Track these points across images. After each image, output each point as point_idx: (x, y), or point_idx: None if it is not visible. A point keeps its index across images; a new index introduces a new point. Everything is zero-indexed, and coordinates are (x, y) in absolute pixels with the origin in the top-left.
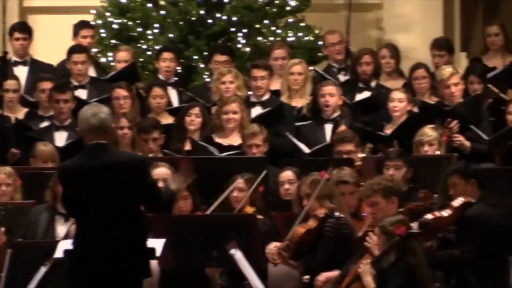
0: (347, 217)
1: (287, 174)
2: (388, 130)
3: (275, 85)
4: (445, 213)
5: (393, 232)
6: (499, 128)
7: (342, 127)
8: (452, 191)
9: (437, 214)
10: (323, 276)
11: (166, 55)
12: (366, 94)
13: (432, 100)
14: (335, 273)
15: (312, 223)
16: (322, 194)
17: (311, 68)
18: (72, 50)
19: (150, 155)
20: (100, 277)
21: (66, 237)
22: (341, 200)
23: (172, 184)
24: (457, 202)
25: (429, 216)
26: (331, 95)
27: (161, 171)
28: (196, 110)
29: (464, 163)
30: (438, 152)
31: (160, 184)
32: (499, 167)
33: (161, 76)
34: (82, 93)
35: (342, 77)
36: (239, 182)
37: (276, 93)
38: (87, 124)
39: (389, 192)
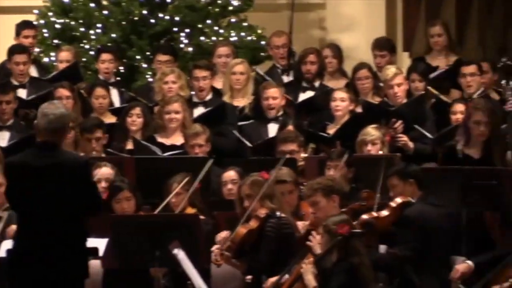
0: (288, 217)
1: (230, 174)
2: (331, 130)
3: (219, 83)
4: (383, 213)
5: (336, 231)
6: (442, 127)
7: (290, 127)
8: (392, 192)
9: (375, 214)
10: (269, 282)
11: (105, 56)
12: (309, 93)
13: (375, 100)
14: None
15: (253, 224)
16: (263, 195)
17: (253, 68)
18: (13, 51)
19: (94, 153)
20: (41, 277)
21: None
22: (281, 200)
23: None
24: (395, 202)
25: (367, 216)
26: (274, 98)
27: (104, 171)
28: (137, 110)
29: (403, 164)
30: (381, 152)
31: (103, 184)
32: (439, 167)
33: (100, 77)
34: (22, 93)
35: (286, 78)
36: (175, 186)
37: (219, 92)
38: (41, 121)
39: (329, 191)
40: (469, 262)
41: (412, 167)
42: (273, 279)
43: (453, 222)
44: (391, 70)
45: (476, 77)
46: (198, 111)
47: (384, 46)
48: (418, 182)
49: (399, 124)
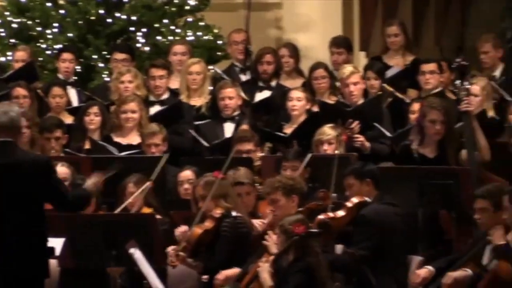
0: (244, 216)
1: (187, 174)
2: (287, 130)
3: (175, 83)
4: (339, 213)
5: (292, 231)
6: (399, 126)
7: (244, 127)
8: (348, 192)
9: (331, 215)
10: (222, 275)
11: (66, 55)
12: (266, 93)
13: (331, 100)
14: (234, 271)
15: (209, 224)
16: (217, 194)
17: (210, 67)
18: None
19: (53, 152)
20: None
21: None
22: (237, 199)
23: (87, 184)
24: (351, 202)
25: (323, 216)
26: (230, 98)
27: (61, 171)
28: (94, 109)
29: (360, 163)
30: (337, 152)
31: None
32: (396, 166)
33: (60, 76)
34: None
35: (244, 77)
36: (130, 186)
37: (175, 92)
38: None
39: (290, 190)
40: (430, 268)
41: (369, 167)
42: (226, 272)
43: (410, 221)
44: (347, 68)
45: (435, 75)
46: (155, 110)
47: (341, 44)
48: (374, 181)
49: (355, 125)
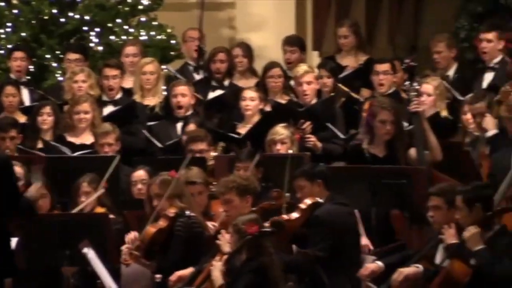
0: (198, 216)
1: (140, 174)
2: (241, 129)
3: (128, 83)
4: (293, 216)
5: (245, 230)
6: (353, 126)
7: (191, 126)
8: (299, 194)
9: (286, 217)
10: (175, 275)
11: (17, 54)
12: (219, 92)
13: (284, 99)
14: (187, 271)
15: (163, 223)
16: (172, 194)
17: (163, 67)
18: None
19: (7, 152)
20: None
21: None
22: (191, 199)
23: (30, 192)
24: (305, 203)
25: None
26: (183, 96)
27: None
28: (47, 109)
29: (309, 164)
30: (290, 151)
31: None
32: (349, 166)
33: (12, 75)
34: None
35: (198, 76)
36: (84, 186)
37: (129, 91)
38: None
39: (244, 190)
40: (379, 263)
41: (319, 167)
42: (180, 273)
43: (363, 221)
44: (302, 67)
45: (389, 76)
46: (108, 110)
47: (294, 42)
48: (325, 182)
49: (307, 125)
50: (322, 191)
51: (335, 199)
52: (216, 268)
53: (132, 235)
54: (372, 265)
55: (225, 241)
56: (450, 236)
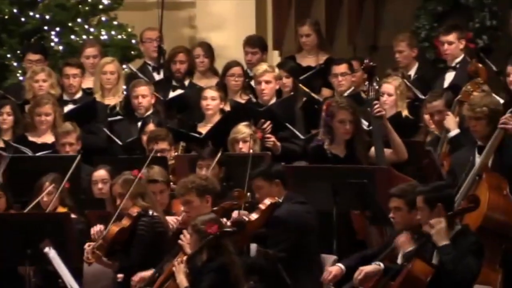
0: (161, 216)
1: (101, 173)
2: (202, 129)
3: (88, 83)
4: (253, 216)
5: (205, 230)
6: (313, 126)
7: (150, 126)
8: (258, 194)
9: (246, 218)
10: (137, 276)
11: None
12: (179, 92)
13: (243, 99)
14: (150, 272)
15: (125, 222)
16: (135, 193)
17: (124, 66)
18: None
19: None
20: None
21: None
22: (154, 198)
23: None
24: (264, 204)
25: (234, 216)
26: (144, 96)
27: None
28: (7, 109)
29: (266, 164)
30: (251, 150)
31: None
32: (311, 166)
33: None
34: None
35: (157, 76)
36: (46, 185)
37: (89, 92)
38: None
39: (203, 191)
40: (341, 265)
41: (276, 167)
42: (142, 274)
43: (324, 220)
44: (262, 66)
45: (347, 76)
46: (68, 109)
47: (255, 43)
48: (282, 181)
49: (267, 125)
50: (280, 191)
51: (294, 198)
52: (180, 270)
53: (98, 227)
54: (334, 268)
55: (187, 242)
56: (404, 244)
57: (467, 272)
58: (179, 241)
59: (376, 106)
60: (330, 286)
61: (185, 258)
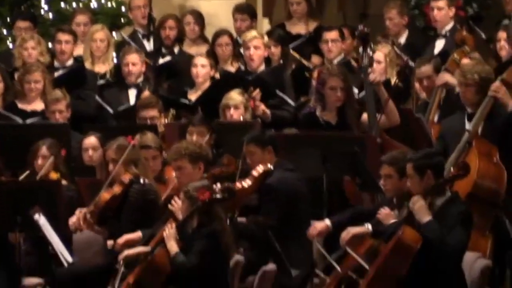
0: (152, 183)
1: (91, 141)
2: (192, 96)
3: (79, 50)
4: (246, 183)
5: (197, 197)
6: (303, 93)
7: (146, 93)
8: (249, 160)
9: (239, 185)
10: (123, 239)
11: None
12: (169, 59)
13: (233, 67)
14: (135, 235)
15: (117, 189)
16: (128, 160)
17: (114, 33)
18: None
19: None
20: None
21: None
22: (146, 165)
23: None
24: (257, 171)
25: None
26: (134, 64)
27: None
28: None
29: (259, 130)
30: (242, 118)
31: None
32: (303, 133)
33: None
34: None
35: (147, 43)
36: (42, 149)
37: (80, 59)
38: None
39: (196, 157)
40: (328, 222)
41: (268, 134)
42: (127, 236)
43: (315, 187)
44: (251, 33)
45: (338, 43)
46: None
47: (245, 10)
48: (274, 148)
49: (256, 93)
50: (271, 158)
51: (284, 165)
52: (171, 236)
53: (83, 212)
54: (320, 224)
55: (178, 207)
56: (386, 217)
57: (454, 245)
58: (170, 206)
59: (371, 73)
60: (318, 245)
61: (175, 224)
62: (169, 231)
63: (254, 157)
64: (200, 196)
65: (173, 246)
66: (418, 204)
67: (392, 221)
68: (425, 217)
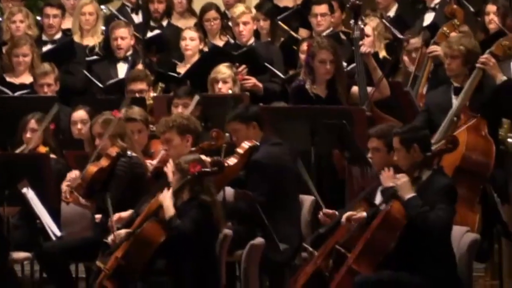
0: (139, 156)
1: (80, 114)
2: (181, 69)
3: (68, 24)
4: (232, 161)
5: (188, 170)
6: (291, 66)
7: (139, 66)
8: (235, 137)
9: (224, 163)
10: (116, 216)
11: None
12: (157, 32)
13: (222, 40)
14: (128, 212)
15: (104, 162)
16: (114, 133)
17: (103, 7)
18: None
19: None
20: None
21: None
22: (133, 139)
23: None
24: (243, 148)
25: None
26: (123, 38)
27: None
28: None
29: (243, 106)
30: (230, 91)
31: None
32: (288, 106)
33: None
34: None
35: (136, 16)
36: (31, 122)
37: (69, 33)
38: None
39: (184, 130)
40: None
41: (252, 109)
42: (120, 214)
43: (303, 161)
44: (239, 8)
45: (327, 17)
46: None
47: None
48: (259, 123)
49: (242, 68)
50: (257, 133)
51: (270, 140)
52: (167, 197)
53: (73, 173)
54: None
55: (171, 170)
56: (386, 179)
57: (436, 220)
58: (165, 168)
59: (362, 45)
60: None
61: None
62: (166, 193)
63: (238, 134)
64: (191, 169)
65: (169, 208)
66: (402, 180)
67: (391, 184)
68: (408, 194)
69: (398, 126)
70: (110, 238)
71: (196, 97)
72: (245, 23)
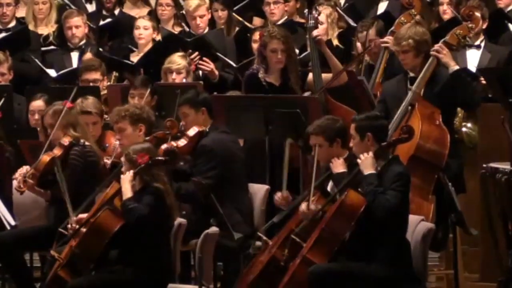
0: (92, 145)
1: (38, 104)
2: (134, 58)
3: (22, 12)
4: (181, 142)
5: (136, 160)
6: (246, 55)
7: (88, 55)
8: (184, 121)
9: (174, 144)
10: (79, 218)
11: None
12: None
13: (175, 30)
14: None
15: (57, 151)
16: (65, 123)
17: None
18: None
19: None
20: None
21: None
22: (85, 128)
23: None
24: (192, 131)
25: (165, 146)
26: (77, 27)
27: None
28: None
29: (194, 92)
30: (184, 80)
31: None
32: (240, 95)
33: None
34: None
35: (89, 5)
36: None
37: (23, 21)
38: None
39: (136, 119)
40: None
41: (203, 95)
42: (82, 216)
43: (256, 150)
44: (193, 1)
45: (280, 5)
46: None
47: None
48: (208, 110)
49: (195, 55)
50: (206, 119)
51: (219, 128)
52: (127, 179)
53: (24, 168)
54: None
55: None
56: (337, 166)
57: (385, 204)
58: (122, 158)
59: (315, 31)
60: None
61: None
62: (126, 176)
63: (188, 119)
64: (139, 159)
65: (127, 190)
66: (366, 156)
67: (342, 170)
68: (368, 170)
69: (336, 119)
70: (65, 227)
71: (150, 86)
72: (201, 16)
